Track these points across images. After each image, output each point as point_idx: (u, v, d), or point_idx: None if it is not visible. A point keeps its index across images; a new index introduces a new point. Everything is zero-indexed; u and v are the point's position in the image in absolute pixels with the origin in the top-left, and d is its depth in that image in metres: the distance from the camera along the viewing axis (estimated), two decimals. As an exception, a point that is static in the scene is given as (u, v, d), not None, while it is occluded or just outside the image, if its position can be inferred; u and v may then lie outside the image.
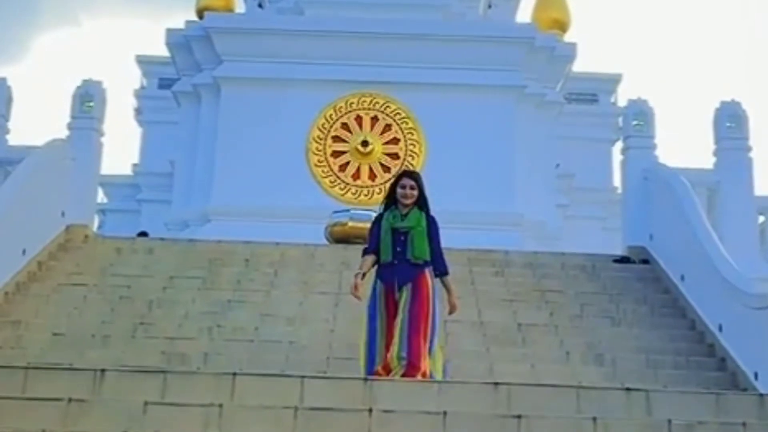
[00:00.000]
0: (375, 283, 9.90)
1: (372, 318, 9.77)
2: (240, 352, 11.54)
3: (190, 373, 8.65)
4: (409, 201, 9.87)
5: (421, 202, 9.91)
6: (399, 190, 9.90)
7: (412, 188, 9.89)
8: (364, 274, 9.79)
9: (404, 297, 9.61)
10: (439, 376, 9.47)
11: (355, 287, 9.63)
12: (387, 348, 9.42)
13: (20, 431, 7.03)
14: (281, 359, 11.22)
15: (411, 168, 9.97)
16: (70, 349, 11.48)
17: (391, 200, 10.02)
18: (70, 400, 7.55)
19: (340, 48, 20.36)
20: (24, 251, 14.28)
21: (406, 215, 9.86)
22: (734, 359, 11.92)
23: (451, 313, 9.97)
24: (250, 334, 12.31)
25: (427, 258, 9.77)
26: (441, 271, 9.92)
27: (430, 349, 9.52)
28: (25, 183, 14.54)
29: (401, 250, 9.78)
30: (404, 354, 9.24)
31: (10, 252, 13.78)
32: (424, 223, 9.85)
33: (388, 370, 9.21)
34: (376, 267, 9.91)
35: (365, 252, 10.04)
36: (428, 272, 9.78)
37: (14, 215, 13.81)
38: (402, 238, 9.79)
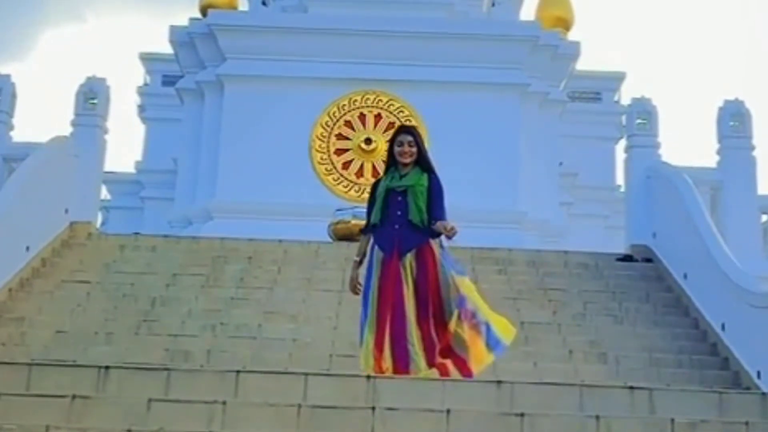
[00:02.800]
0: (371, 253, 9.02)
1: (365, 296, 8.85)
2: (243, 350, 11.55)
3: (194, 371, 8.66)
4: (407, 159, 9.02)
5: (422, 162, 9.07)
6: (396, 148, 9.07)
7: (410, 145, 9.05)
8: (360, 261, 9.07)
9: (408, 272, 8.72)
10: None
11: (355, 282, 8.97)
12: (378, 344, 8.57)
13: (24, 427, 7.03)
14: (284, 357, 11.23)
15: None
16: (73, 346, 11.50)
17: (390, 163, 9.20)
18: (74, 396, 7.55)
19: (344, 46, 20.36)
20: (27, 248, 14.30)
21: (405, 175, 9.02)
22: (737, 358, 11.92)
23: (449, 236, 8.77)
24: (254, 332, 12.33)
25: (426, 221, 8.81)
26: (436, 217, 8.84)
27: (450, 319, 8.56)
28: (29, 180, 14.56)
29: (401, 213, 8.90)
30: (420, 358, 8.48)
31: (13, 249, 13.80)
32: (425, 182, 8.98)
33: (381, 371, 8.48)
34: (371, 235, 9.04)
35: (364, 231, 9.27)
36: (432, 241, 8.88)
37: (18, 212, 13.83)
38: (399, 198, 8.93)
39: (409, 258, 8.81)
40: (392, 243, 8.85)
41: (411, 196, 8.91)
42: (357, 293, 8.98)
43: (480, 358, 8.69)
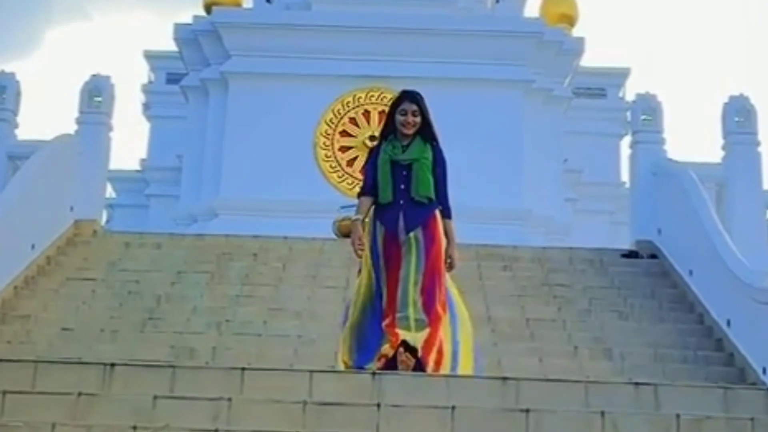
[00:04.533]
0: (374, 228, 8.49)
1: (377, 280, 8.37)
2: (248, 347, 11.57)
3: (199, 368, 8.67)
4: (410, 130, 8.44)
5: (426, 132, 8.52)
6: (399, 117, 8.45)
7: (414, 114, 8.44)
8: (364, 219, 8.49)
9: (413, 245, 8.30)
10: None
11: (359, 239, 8.35)
12: (390, 310, 8.21)
13: (30, 425, 7.04)
14: (289, 353, 11.25)
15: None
16: (78, 344, 11.52)
17: (389, 130, 8.59)
18: (79, 394, 7.56)
19: (348, 43, 20.36)
20: (33, 246, 14.33)
21: (407, 146, 8.45)
22: (742, 354, 11.92)
23: (449, 269, 8.52)
24: (259, 329, 12.34)
25: (433, 196, 8.41)
26: (445, 214, 8.51)
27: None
28: (34, 178, 14.58)
29: (405, 188, 8.37)
30: (423, 316, 8.16)
31: (19, 246, 13.82)
32: (429, 154, 8.44)
33: (395, 341, 8.11)
34: (372, 210, 8.54)
35: (361, 194, 8.64)
36: (438, 215, 8.44)
37: (23, 210, 13.85)
38: (404, 172, 8.38)
39: (413, 237, 8.35)
40: (396, 220, 8.38)
41: (416, 171, 8.40)
42: (359, 255, 8.49)
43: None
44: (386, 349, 8.21)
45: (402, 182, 8.39)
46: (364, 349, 8.35)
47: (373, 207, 8.51)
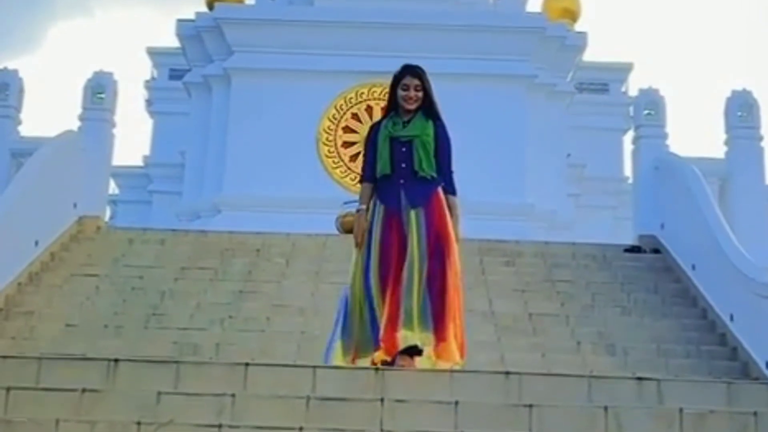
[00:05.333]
0: (373, 207, 8.19)
1: (366, 271, 8.02)
2: (252, 343, 11.59)
3: (203, 363, 8.68)
4: (412, 105, 8.19)
5: (428, 107, 8.24)
6: (401, 92, 8.21)
7: (417, 89, 8.17)
8: (367, 209, 8.20)
9: (414, 225, 7.97)
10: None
11: (362, 231, 8.06)
12: (391, 318, 7.85)
13: (34, 421, 7.06)
14: (293, 349, 11.26)
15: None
16: (82, 340, 11.55)
17: (392, 107, 8.35)
18: (83, 390, 7.57)
19: (350, 38, 20.37)
20: (36, 242, 14.35)
21: (408, 122, 8.20)
22: (746, 348, 11.93)
23: None
24: (262, 325, 12.36)
25: (435, 174, 8.11)
26: (448, 190, 8.20)
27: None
28: (37, 174, 14.60)
29: (406, 166, 8.09)
30: (429, 324, 7.85)
31: (22, 243, 13.85)
32: (430, 131, 8.16)
33: (392, 352, 7.89)
34: (375, 189, 8.23)
35: (363, 179, 8.38)
36: (441, 192, 8.14)
37: (27, 206, 13.88)
38: (404, 149, 8.11)
39: (414, 216, 8.04)
40: (397, 198, 8.09)
41: (416, 147, 8.12)
42: (347, 231, 8.42)
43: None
44: (379, 356, 8.03)
45: (402, 160, 8.13)
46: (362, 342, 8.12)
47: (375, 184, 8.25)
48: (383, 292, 7.99)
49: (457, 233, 8.20)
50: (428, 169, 8.11)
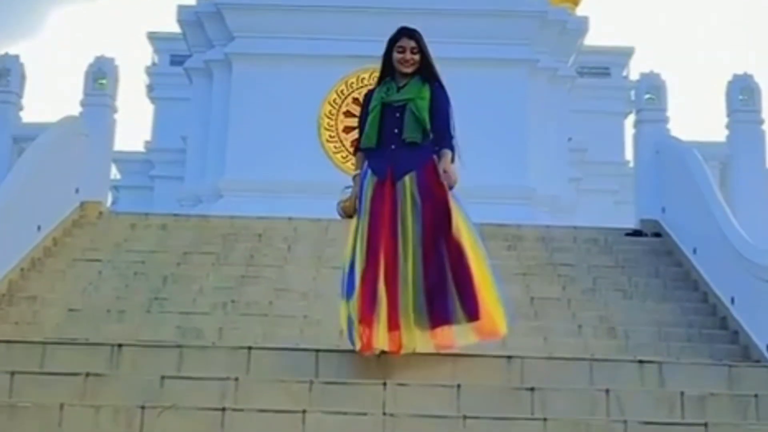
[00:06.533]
0: (363, 177, 7.91)
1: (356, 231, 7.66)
2: (254, 327, 11.61)
3: (206, 348, 8.73)
4: (409, 68, 7.86)
5: (425, 71, 7.90)
6: (396, 55, 7.91)
7: (413, 51, 7.88)
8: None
9: (408, 198, 7.57)
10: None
11: (354, 197, 7.84)
12: (366, 316, 7.46)
13: (39, 405, 7.11)
14: (295, 333, 11.29)
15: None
16: (85, 325, 11.56)
17: (387, 72, 8.02)
18: (87, 374, 7.63)
19: (351, 23, 20.34)
20: (39, 227, 14.37)
21: (403, 87, 7.86)
22: (746, 332, 11.95)
23: (450, 188, 7.80)
24: (264, 309, 12.38)
25: (423, 139, 7.72)
26: (443, 146, 7.75)
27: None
28: (40, 160, 14.62)
29: (399, 131, 7.71)
30: (426, 322, 7.55)
31: (25, 228, 13.87)
32: (426, 94, 7.77)
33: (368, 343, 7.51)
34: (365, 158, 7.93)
35: (356, 150, 8.15)
36: (435, 159, 7.71)
37: (29, 192, 13.90)
38: (397, 114, 7.75)
39: (407, 181, 7.67)
40: (386, 165, 7.73)
41: (410, 112, 7.73)
42: (348, 215, 7.97)
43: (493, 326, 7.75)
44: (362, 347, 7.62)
45: (395, 126, 7.75)
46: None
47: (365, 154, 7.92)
48: (368, 256, 7.60)
49: (451, 176, 7.69)
50: (421, 135, 7.71)
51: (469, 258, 7.69)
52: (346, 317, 7.77)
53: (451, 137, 7.84)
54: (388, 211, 7.65)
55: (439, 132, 7.81)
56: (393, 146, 7.73)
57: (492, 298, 7.78)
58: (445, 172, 7.70)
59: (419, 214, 7.63)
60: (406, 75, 7.89)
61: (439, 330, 7.76)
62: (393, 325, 7.61)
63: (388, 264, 7.56)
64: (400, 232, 7.61)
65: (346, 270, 7.83)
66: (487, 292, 7.78)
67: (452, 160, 7.82)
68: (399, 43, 7.93)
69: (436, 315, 7.68)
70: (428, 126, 7.76)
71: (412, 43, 7.92)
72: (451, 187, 7.72)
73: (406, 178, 7.65)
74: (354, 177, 8.04)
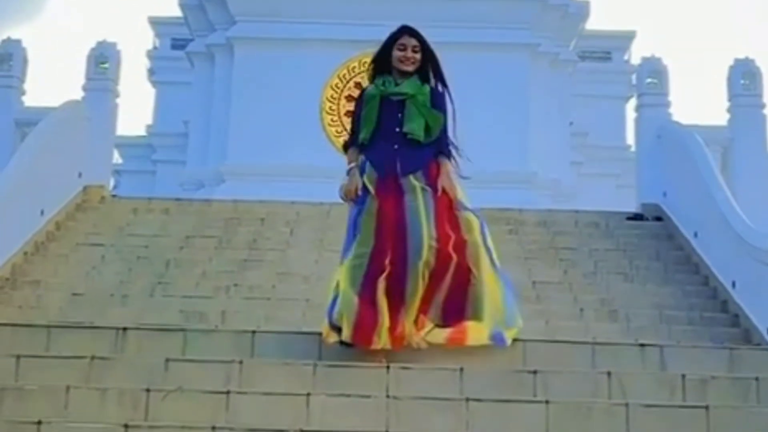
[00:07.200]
0: (362, 172, 7.58)
1: (353, 228, 7.42)
2: (257, 310, 11.65)
3: (210, 331, 8.78)
4: (409, 67, 7.54)
5: (425, 71, 7.60)
6: (397, 53, 7.55)
7: (414, 50, 7.53)
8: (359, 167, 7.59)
9: (419, 193, 7.33)
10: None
11: (355, 187, 7.50)
12: (366, 318, 7.33)
13: (45, 387, 7.16)
14: (298, 317, 11.33)
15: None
16: (89, 309, 11.61)
17: (382, 70, 7.67)
18: (92, 357, 7.67)
19: (353, 7, 20.32)
20: (42, 212, 14.41)
21: (401, 84, 7.57)
22: (747, 315, 12.00)
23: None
24: (267, 293, 12.43)
25: (428, 137, 7.46)
26: (440, 152, 7.52)
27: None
28: (42, 144, 14.64)
29: (399, 130, 7.43)
30: (439, 310, 7.41)
31: (28, 212, 13.91)
32: (426, 91, 7.53)
33: (399, 335, 7.41)
34: (363, 155, 7.63)
35: (348, 145, 7.80)
36: (439, 160, 7.49)
37: (32, 176, 13.93)
38: (397, 110, 7.46)
39: (413, 179, 7.41)
40: (389, 162, 7.45)
41: (410, 107, 7.46)
42: (350, 198, 7.65)
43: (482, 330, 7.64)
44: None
45: (395, 121, 7.46)
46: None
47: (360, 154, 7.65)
48: (375, 254, 7.39)
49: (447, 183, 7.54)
50: (419, 130, 7.46)
51: (476, 260, 7.59)
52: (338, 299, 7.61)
53: (448, 141, 7.65)
54: (392, 210, 7.42)
55: (438, 134, 7.60)
56: (395, 144, 7.48)
57: (494, 305, 7.66)
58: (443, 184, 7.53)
59: (432, 207, 7.40)
60: (404, 74, 7.59)
61: (454, 325, 7.73)
62: (394, 326, 7.53)
63: (395, 261, 7.36)
64: (410, 226, 7.35)
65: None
66: (491, 296, 7.67)
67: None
68: (400, 41, 7.59)
69: (451, 311, 7.61)
70: (430, 125, 7.55)
71: (414, 42, 7.60)
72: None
73: (411, 177, 7.43)
74: (348, 170, 7.73)
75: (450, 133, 7.78)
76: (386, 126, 7.49)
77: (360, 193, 7.56)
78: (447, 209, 7.47)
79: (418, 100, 7.47)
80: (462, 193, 7.68)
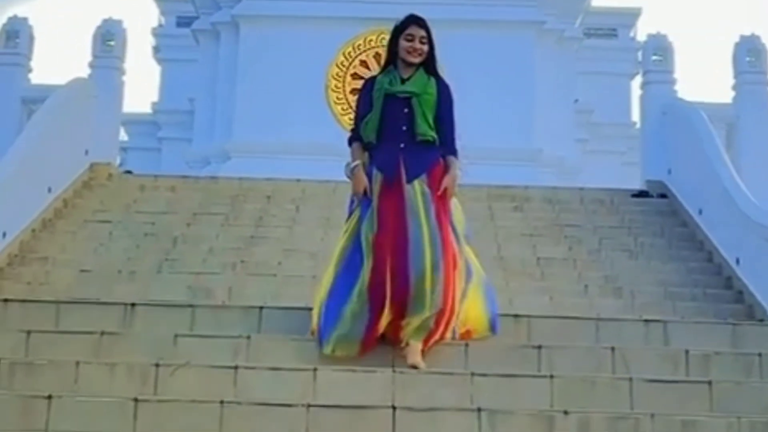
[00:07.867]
0: (369, 174, 7.47)
1: (355, 250, 7.37)
2: (263, 287, 11.71)
3: (218, 307, 8.85)
4: (416, 58, 7.41)
5: (430, 64, 7.50)
6: (404, 43, 7.42)
7: (422, 41, 7.42)
8: (364, 164, 7.51)
9: (420, 200, 7.23)
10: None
11: (362, 186, 7.40)
12: (394, 300, 7.20)
13: (55, 362, 7.24)
14: (304, 293, 11.35)
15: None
16: (97, 285, 11.68)
17: (390, 59, 7.59)
18: (102, 333, 7.76)
19: (359, -16, 20.31)
20: (49, 189, 14.46)
21: (408, 79, 7.44)
22: (751, 292, 12.05)
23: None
24: (274, 269, 12.48)
25: (436, 136, 7.37)
26: (448, 151, 7.46)
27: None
28: (49, 122, 14.69)
29: (406, 129, 7.33)
30: (435, 304, 7.25)
31: (36, 190, 13.97)
32: (433, 89, 7.40)
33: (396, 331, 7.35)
34: (367, 154, 7.57)
35: (352, 140, 7.71)
36: (442, 162, 7.42)
37: (39, 153, 13.99)
38: (404, 108, 7.35)
39: (417, 185, 7.32)
40: (396, 165, 7.33)
41: (418, 107, 7.35)
42: (364, 194, 7.49)
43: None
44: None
45: (402, 122, 7.36)
46: (328, 323, 7.52)
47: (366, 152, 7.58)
48: (374, 250, 7.32)
49: (450, 186, 7.49)
50: (430, 131, 7.37)
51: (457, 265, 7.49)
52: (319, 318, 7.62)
53: (454, 138, 7.56)
54: (393, 212, 7.32)
55: (444, 131, 7.48)
56: (402, 144, 7.36)
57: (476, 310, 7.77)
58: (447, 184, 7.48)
59: (432, 214, 7.31)
60: (410, 66, 7.48)
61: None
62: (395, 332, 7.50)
63: (396, 265, 7.28)
64: (412, 230, 7.25)
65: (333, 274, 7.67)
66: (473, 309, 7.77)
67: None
68: (408, 31, 7.47)
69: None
70: (435, 123, 7.45)
71: (422, 33, 7.48)
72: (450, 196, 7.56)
73: (416, 183, 7.30)
74: (353, 169, 7.64)
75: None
76: (391, 124, 7.41)
77: (367, 194, 7.50)
78: (444, 214, 7.42)
79: (425, 99, 7.39)
80: (454, 201, 7.67)
